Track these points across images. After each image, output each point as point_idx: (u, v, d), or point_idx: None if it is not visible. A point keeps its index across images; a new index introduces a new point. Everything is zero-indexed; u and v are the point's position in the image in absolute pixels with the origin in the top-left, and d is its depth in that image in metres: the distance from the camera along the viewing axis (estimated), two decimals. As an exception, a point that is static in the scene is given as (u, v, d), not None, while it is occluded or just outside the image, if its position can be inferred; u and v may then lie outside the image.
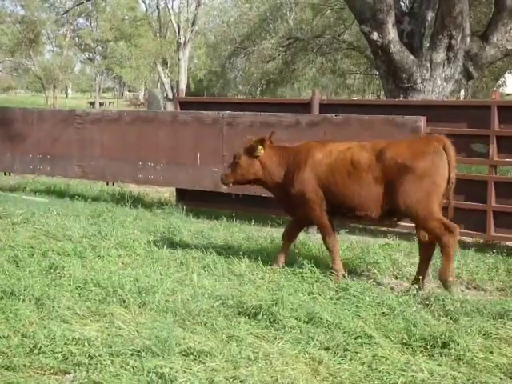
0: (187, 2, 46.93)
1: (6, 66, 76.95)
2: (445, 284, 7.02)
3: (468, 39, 13.54)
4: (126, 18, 63.60)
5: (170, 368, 5.00)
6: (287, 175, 7.86)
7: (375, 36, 13.28)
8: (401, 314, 6.21)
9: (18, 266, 7.54)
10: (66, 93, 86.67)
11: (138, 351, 5.27)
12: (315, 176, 7.63)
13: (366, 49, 25.27)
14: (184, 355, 5.29)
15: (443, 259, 7.08)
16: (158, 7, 51.08)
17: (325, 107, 10.62)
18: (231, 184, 8.28)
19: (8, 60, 73.19)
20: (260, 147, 7.89)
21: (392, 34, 13.27)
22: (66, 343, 5.43)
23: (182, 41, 46.05)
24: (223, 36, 41.01)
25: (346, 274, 7.50)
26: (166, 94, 46.56)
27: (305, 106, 10.84)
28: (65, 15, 61.84)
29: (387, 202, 7.30)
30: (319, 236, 8.62)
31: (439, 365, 5.19)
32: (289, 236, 8.15)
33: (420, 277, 7.25)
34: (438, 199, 7.19)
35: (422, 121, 9.48)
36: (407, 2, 16.76)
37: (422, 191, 7.11)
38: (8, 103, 47.65)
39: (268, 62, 31.92)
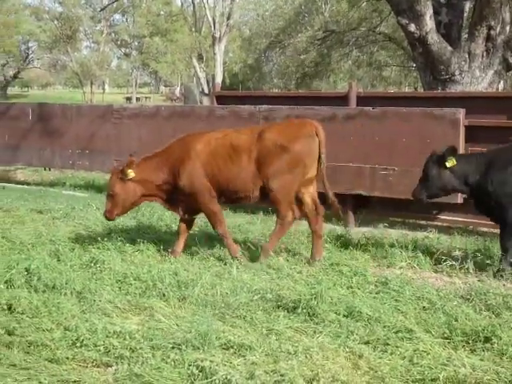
0: (222, -4, 46.99)
1: (44, 63, 77.99)
2: (264, 251, 7.81)
3: (507, 29, 13.33)
4: (162, 13, 63.86)
5: (211, 361, 5.01)
6: (173, 174, 8.04)
7: (412, 28, 13.16)
8: (441, 308, 6.15)
9: (59, 260, 7.62)
10: (103, 88, 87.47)
11: (179, 344, 5.30)
12: (199, 166, 7.90)
13: (403, 41, 25.05)
14: (224, 349, 5.31)
15: (277, 230, 7.87)
16: (193, 2, 51.15)
17: (362, 100, 10.56)
18: (117, 217, 8.30)
19: (46, 57, 74.20)
20: (129, 170, 8.00)
21: (429, 25, 13.14)
22: (107, 336, 5.49)
23: (217, 35, 46.11)
24: (258, 30, 40.96)
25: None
26: (202, 89, 46.68)
27: (342, 99, 10.79)
28: (102, 12, 62.32)
29: (261, 180, 7.81)
30: (358, 230, 8.63)
31: (481, 360, 5.13)
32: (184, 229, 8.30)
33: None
34: (302, 178, 7.80)
35: (460, 113, 9.37)
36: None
37: (290, 172, 7.70)
38: (46, 99, 48.23)
39: (303, 55, 31.80)
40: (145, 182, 8.10)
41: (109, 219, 8.33)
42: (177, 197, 8.16)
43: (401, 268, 7.76)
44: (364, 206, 10.50)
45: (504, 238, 7.55)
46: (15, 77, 77.95)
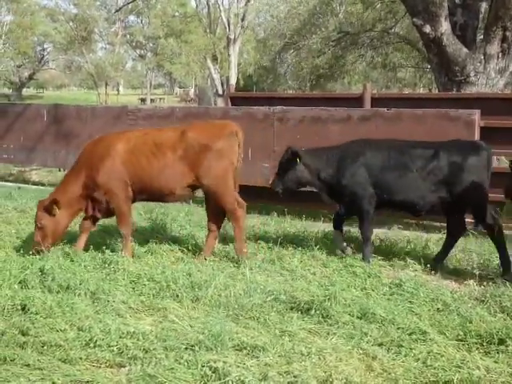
0: (237, -2, 47.08)
1: (59, 64, 78.34)
2: (240, 255, 7.90)
3: (523, 30, 13.24)
4: (177, 14, 64.00)
5: (224, 362, 5.01)
6: (92, 175, 8.09)
7: (427, 29, 13.11)
8: (456, 310, 6.13)
9: (73, 261, 7.64)
10: (118, 89, 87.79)
11: (192, 345, 5.31)
12: (119, 164, 7.97)
13: (418, 42, 24.95)
14: (237, 350, 5.31)
15: (236, 232, 8.03)
16: (208, 3, 51.28)
17: (376, 101, 10.54)
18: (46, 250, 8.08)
19: (61, 58, 74.52)
20: (54, 207, 8.05)
21: (445, 26, 13.08)
22: (120, 337, 5.50)
23: (231, 36, 46.19)
24: (273, 31, 40.92)
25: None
26: (216, 90, 46.76)
27: (356, 101, 10.77)
28: (116, 13, 62.55)
29: (189, 179, 7.93)
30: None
31: (496, 362, 5.11)
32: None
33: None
34: (233, 176, 8.03)
35: (476, 114, 9.33)
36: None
37: (221, 169, 7.92)
38: (61, 100, 48.43)
39: (318, 56, 31.75)
40: (70, 203, 8.18)
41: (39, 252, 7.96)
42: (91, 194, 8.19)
43: (415, 270, 7.72)
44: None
45: (363, 226, 8.06)
46: (30, 78, 78.29)
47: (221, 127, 8.24)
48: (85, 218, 8.37)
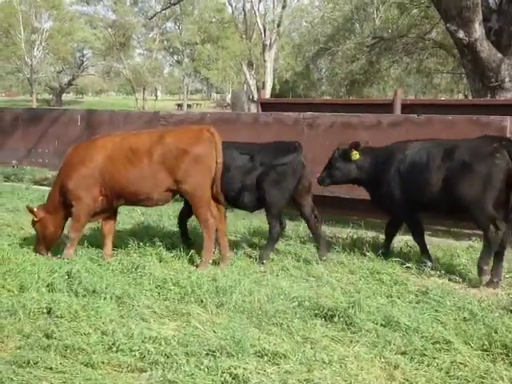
0: (273, 4, 47.12)
1: (98, 70, 79.30)
2: (202, 265, 7.85)
3: (559, 36, 13.07)
4: (214, 20, 64.31)
5: (244, 369, 5.01)
6: (64, 180, 8.26)
7: (461, 34, 13.00)
8: (482, 319, 6.03)
9: (100, 265, 7.70)
10: (156, 95, 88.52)
11: (213, 351, 5.31)
12: (93, 171, 8.05)
13: (453, 47, 24.69)
14: (258, 356, 5.29)
15: (205, 241, 7.96)
16: (244, 9, 51.46)
17: (407, 107, 10.46)
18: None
19: (100, 64, 75.42)
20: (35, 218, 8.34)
21: (479, 31, 12.95)
22: (143, 341, 5.53)
23: (267, 42, 46.25)
24: (307, 37, 40.88)
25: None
26: (252, 96, 46.83)
27: (387, 107, 10.70)
28: (154, 19, 63.02)
29: (168, 183, 7.95)
30: (401, 238, 8.55)
31: (520, 373, 5.02)
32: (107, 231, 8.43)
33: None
34: (211, 180, 7.95)
35: (508, 120, 9.20)
36: (496, -2, 16.27)
37: (198, 174, 7.90)
38: (100, 106, 49.04)
39: (352, 62, 31.63)
40: (55, 209, 8.38)
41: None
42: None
43: (443, 277, 7.63)
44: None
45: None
46: (70, 83, 79.48)
47: (198, 132, 8.15)
48: (103, 223, 8.49)
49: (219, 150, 7.94)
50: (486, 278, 7.40)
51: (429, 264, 7.92)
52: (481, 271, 7.44)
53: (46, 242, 8.38)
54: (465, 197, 7.51)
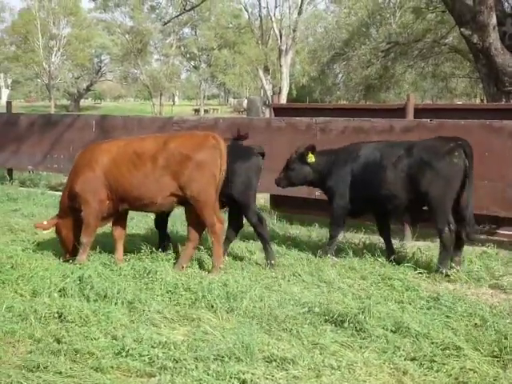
0: (289, 9, 47.16)
1: (116, 75, 79.80)
2: (214, 270, 7.84)
3: None
4: (230, 25, 64.49)
5: (252, 374, 5.02)
6: (73, 185, 8.37)
7: (475, 39, 12.95)
8: (493, 325, 5.98)
9: (112, 270, 7.74)
10: (173, 100, 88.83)
11: (222, 356, 5.30)
12: (98, 174, 8.11)
13: (469, 52, 24.64)
14: (267, 361, 5.29)
15: (214, 246, 7.97)
16: (260, 15, 51.58)
17: (420, 112, 10.42)
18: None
19: (118, 69, 75.88)
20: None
21: (493, 36, 12.89)
22: (152, 346, 5.54)
23: (283, 47, 46.29)
24: (322, 42, 40.87)
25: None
26: (268, 101, 46.84)
27: (399, 111, 10.66)
28: (171, 25, 63.28)
29: (171, 188, 7.93)
30: (414, 243, 8.51)
31: (531, 379, 4.99)
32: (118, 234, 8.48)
33: None
34: (216, 187, 7.96)
35: (521, 125, 9.15)
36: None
37: (202, 180, 7.88)
38: (118, 111, 49.24)
39: (367, 67, 31.57)
40: (65, 213, 8.53)
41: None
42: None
43: (454, 283, 7.60)
44: (421, 220, 10.29)
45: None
46: (88, 89, 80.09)
47: (202, 138, 8.13)
48: (114, 227, 8.55)
49: (224, 156, 7.93)
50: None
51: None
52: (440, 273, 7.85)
53: (66, 246, 8.52)
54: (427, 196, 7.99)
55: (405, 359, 5.38)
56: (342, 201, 8.58)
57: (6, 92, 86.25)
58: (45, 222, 8.58)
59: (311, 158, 8.79)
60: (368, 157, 8.41)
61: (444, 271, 7.77)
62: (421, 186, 7.95)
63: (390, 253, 8.51)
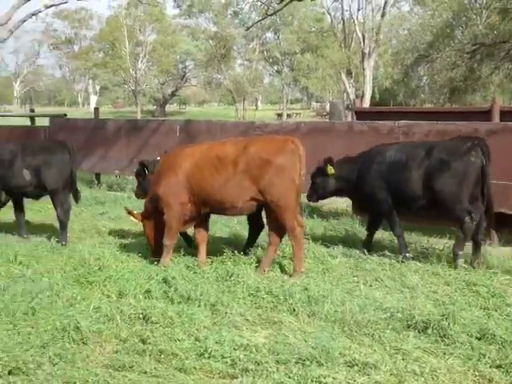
0: (372, 12, 46.68)
1: (200, 81, 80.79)
2: (296, 274, 7.87)
3: None
4: (313, 29, 64.38)
5: (334, 378, 5.04)
6: (155, 188, 8.62)
7: None
8: None
9: (195, 273, 7.88)
10: (256, 105, 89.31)
11: (303, 360, 5.34)
12: (181, 178, 8.27)
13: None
14: (349, 366, 5.30)
15: (295, 250, 7.99)
16: (342, 18, 51.23)
17: (507, 115, 10.16)
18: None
19: (202, 75, 76.83)
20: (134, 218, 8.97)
21: None
22: (234, 349, 5.62)
23: (366, 51, 45.87)
24: (406, 44, 40.31)
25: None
26: (350, 105, 46.53)
27: (485, 114, 10.42)
28: (254, 30, 63.61)
29: (252, 192, 8.01)
30: (501, 249, 8.34)
31: None
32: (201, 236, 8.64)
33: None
34: (296, 191, 8.03)
35: None
36: None
37: (282, 185, 7.93)
38: (202, 116, 49.93)
39: (452, 69, 30.94)
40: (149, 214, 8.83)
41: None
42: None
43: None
44: (509, 225, 10.03)
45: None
46: (173, 94, 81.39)
47: (282, 143, 8.15)
48: (196, 231, 8.70)
49: (303, 161, 7.99)
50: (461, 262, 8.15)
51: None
52: (456, 256, 8.24)
53: (150, 244, 8.90)
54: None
55: (490, 366, 5.30)
56: (384, 203, 8.90)
57: (94, 98, 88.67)
58: (135, 212, 8.94)
59: (331, 170, 9.16)
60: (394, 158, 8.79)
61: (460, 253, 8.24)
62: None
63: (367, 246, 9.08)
